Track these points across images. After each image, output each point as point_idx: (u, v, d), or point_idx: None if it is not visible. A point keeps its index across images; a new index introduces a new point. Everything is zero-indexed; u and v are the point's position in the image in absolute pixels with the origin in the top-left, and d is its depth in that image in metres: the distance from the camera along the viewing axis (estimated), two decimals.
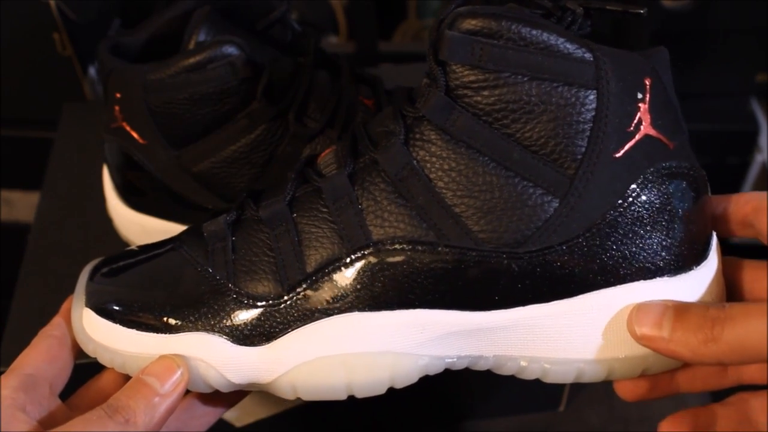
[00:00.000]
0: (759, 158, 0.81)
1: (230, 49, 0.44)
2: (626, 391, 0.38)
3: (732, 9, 0.75)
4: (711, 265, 0.37)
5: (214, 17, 0.47)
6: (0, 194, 0.80)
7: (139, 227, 0.51)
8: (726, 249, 0.38)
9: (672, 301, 0.35)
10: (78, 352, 0.39)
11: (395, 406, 0.56)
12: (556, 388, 0.57)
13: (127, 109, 0.46)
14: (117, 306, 0.38)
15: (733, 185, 0.82)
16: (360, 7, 0.71)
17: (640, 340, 0.35)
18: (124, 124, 0.47)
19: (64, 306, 0.40)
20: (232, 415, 0.55)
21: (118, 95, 0.46)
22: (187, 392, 0.37)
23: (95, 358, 0.39)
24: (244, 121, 0.45)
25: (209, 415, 0.41)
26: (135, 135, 0.47)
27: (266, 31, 0.49)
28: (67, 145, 0.61)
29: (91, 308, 0.38)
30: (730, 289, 0.38)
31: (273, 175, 0.46)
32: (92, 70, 0.72)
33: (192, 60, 0.44)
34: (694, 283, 0.36)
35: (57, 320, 0.40)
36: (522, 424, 0.58)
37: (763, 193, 0.38)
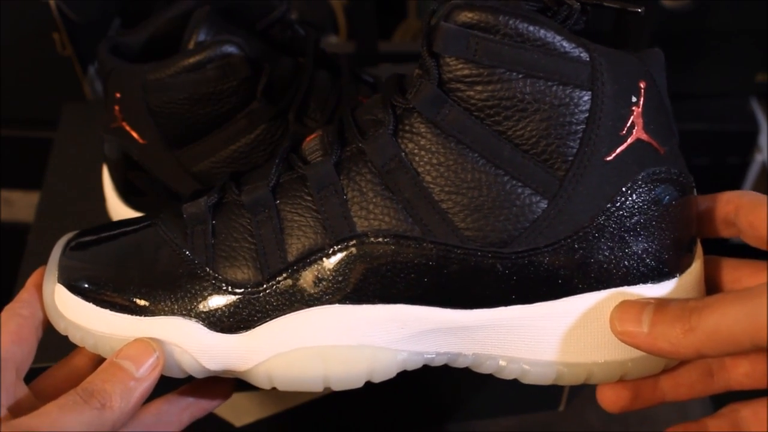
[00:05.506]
0: (759, 158, 0.80)
1: (230, 49, 0.44)
2: (609, 402, 0.38)
3: (732, 9, 0.75)
4: (694, 272, 0.37)
5: (214, 17, 0.47)
6: (0, 194, 0.80)
7: None
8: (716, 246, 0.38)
9: (653, 297, 0.35)
10: (44, 331, 0.38)
11: (394, 405, 0.56)
12: (556, 388, 0.57)
13: (126, 109, 0.46)
14: (89, 284, 0.37)
15: (733, 185, 0.82)
16: (360, 7, 0.71)
17: (621, 336, 0.35)
18: (124, 123, 0.47)
19: (31, 280, 0.39)
20: (232, 415, 0.55)
21: (118, 95, 0.46)
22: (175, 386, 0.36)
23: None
24: (244, 121, 0.45)
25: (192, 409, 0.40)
26: (135, 135, 0.47)
27: (266, 31, 0.49)
28: (67, 145, 0.61)
29: (63, 284, 0.37)
30: (710, 289, 0.38)
31: None
32: (92, 70, 0.72)
33: (192, 60, 0.44)
34: (677, 290, 0.36)
35: (25, 296, 0.38)
36: (522, 424, 0.58)
37: (744, 192, 0.38)
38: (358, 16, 0.73)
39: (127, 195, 0.51)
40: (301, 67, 0.47)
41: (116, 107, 0.47)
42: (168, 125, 0.46)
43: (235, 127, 0.45)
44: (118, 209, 0.51)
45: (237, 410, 0.54)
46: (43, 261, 0.53)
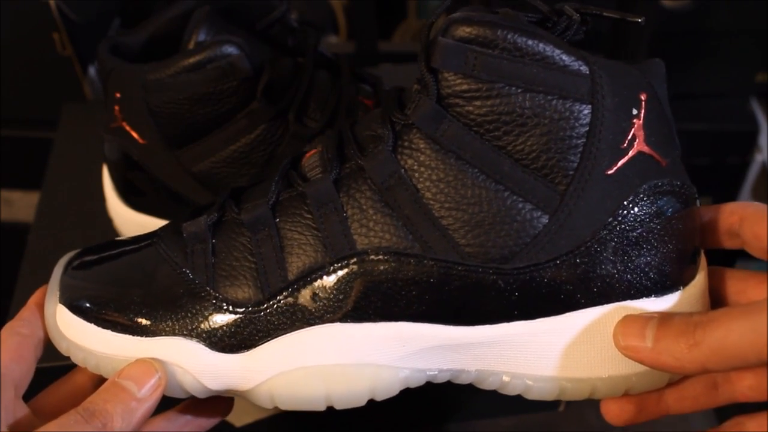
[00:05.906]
0: (759, 158, 0.81)
1: (230, 49, 0.44)
2: (612, 415, 0.38)
3: (732, 9, 0.75)
4: (698, 284, 0.37)
5: (214, 17, 0.47)
6: (0, 194, 0.80)
7: (139, 227, 0.51)
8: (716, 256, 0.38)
9: (657, 312, 0.35)
10: (42, 351, 0.38)
11: (394, 405, 0.56)
12: None
13: (126, 109, 0.46)
14: (91, 304, 0.37)
15: (733, 185, 0.82)
16: (360, 7, 0.71)
17: (625, 351, 0.35)
18: (124, 123, 0.47)
19: (33, 298, 0.39)
20: (233, 415, 0.55)
21: (118, 95, 0.46)
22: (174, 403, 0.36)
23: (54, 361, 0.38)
24: (244, 121, 0.45)
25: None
26: (135, 135, 0.47)
27: (266, 31, 0.49)
28: (67, 145, 0.61)
29: (64, 304, 0.37)
30: (714, 301, 0.38)
31: None
32: (92, 70, 0.72)
33: (192, 60, 0.44)
34: (681, 303, 0.36)
35: (25, 315, 0.38)
36: (522, 424, 0.58)
37: (748, 203, 0.38)
38: (358, 16, 0.73)
39: (127, 195, 0.51)
40: (301, 67, 0.47)
41: (116, 107, 0.47)
42: (168, 125, 0.46)
43: (235, 127, 0.45)
44: (118, 209, 0.51)
45: (237, 410, 0.54)
46: (44, 261, 0.54)
